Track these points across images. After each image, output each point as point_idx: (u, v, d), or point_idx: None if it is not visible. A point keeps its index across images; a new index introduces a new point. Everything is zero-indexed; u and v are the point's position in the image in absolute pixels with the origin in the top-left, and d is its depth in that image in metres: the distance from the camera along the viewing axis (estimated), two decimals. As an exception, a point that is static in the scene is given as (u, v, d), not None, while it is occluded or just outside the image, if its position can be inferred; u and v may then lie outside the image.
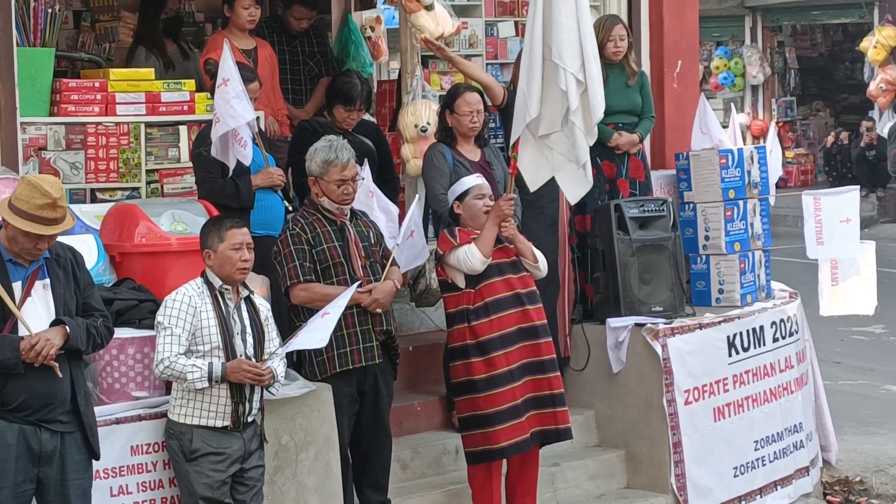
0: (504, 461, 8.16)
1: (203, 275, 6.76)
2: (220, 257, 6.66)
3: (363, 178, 7.77)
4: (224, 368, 6.58)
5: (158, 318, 6.67)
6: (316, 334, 6.92)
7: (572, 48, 7.59)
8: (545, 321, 8.14)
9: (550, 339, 8.18)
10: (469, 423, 7.96)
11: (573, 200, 7.96)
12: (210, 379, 6.57)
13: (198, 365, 6.56)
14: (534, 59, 7.66)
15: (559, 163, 7.83)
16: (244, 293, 6.87)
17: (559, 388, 8.09)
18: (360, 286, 7.36)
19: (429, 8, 8.45)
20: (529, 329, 8.04)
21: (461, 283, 7.92)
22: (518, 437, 7.93)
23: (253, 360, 6.73)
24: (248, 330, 6.79)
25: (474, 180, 7.98)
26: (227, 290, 6.75)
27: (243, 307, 6.84)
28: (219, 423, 6.70)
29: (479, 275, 8.00)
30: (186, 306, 6.65)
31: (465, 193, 7.90)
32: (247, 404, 6.75)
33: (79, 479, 6.36)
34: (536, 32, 7.84)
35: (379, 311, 7.58)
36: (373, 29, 9.70)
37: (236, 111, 7.61)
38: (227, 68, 7.61)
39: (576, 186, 7.94)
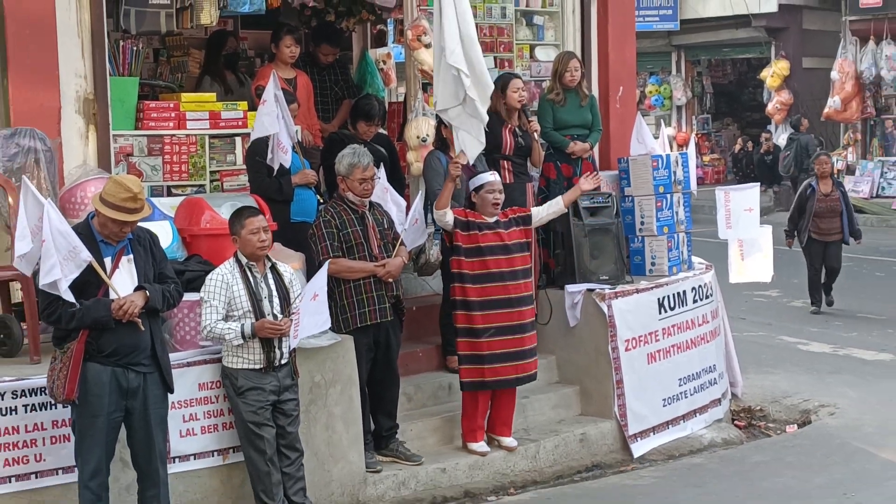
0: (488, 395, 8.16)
1: (235, 255, 6.85)
2: (242, 240, 6.80)
3: (379, 178, 7.96)
4: (252, 328, 6.68)
5: (201, 294, 6.84)
6: (316, 318, 6.99)
7: (457, 48, 7.56)
8: (531, 292, 8.24)
9: (533, 306, 8.29)
10: (467, 360, 7.99)
11: (472, 160, 7.94)
12: (243, 337, 6.68)
13: (232, 327, 6.73)
14: (440, 61, 7.68)
15: (464, 127, 7.82)
16: (269, 264, 6.91)
17: (533, 344, 8.13)
18: (349, 255, 7.46)
19: (427, 46, 8.41)
20: (520, 296, 8.01)
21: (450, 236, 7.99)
22: (501, 377, 7.98)
23: (280, 316, 6.81)
24: (275, 293, 6.89)
25: (489, 177, 8.06)
26: (252, 265, 6.86)
27: (269, 276, 6.94)
28: (256, 366, 6.82)
29: (480, 251, 7.94)
30: (220, 283, 6.78)
31: (481, 187, 7.95)
32: (276, 351, 6.83)
33: (158, 408, 6.50)
34: (436, 40, 7.81)
35: (390, 280, 7.66)
36: (384, 62, 9.71)
37: (264, 124, 7.71)
38: (271, 92, 7.66)
39: (471, 149, 7.83)
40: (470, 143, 7.94)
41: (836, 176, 15.29)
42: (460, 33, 7.70)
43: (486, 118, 7.97)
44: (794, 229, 13.60)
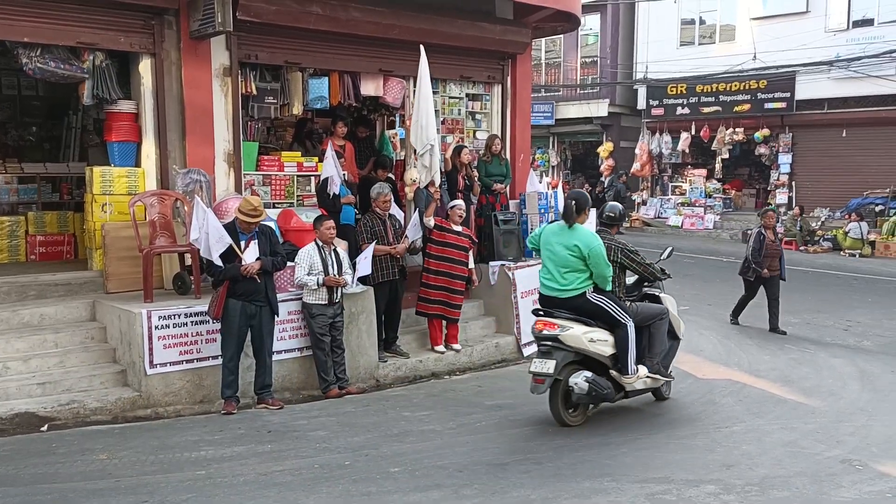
0: (442, 322, 8.16)
1: (315, 241, 6.95)
2: (320, 232, 6.97)
3: (391, 201, 7.79)
4: (323, 279, 6.79)
5: (295, 261, 6.89)
6: (363, 266, 7.22)
7: (424, 129, 7.87)
8: (464, 272, 8.05)
9: (463, 281, 8.04)
10: (422, 301, 8.04)
11: (424, 184, 8.03)
12: (318, 284, 6.80)
13: (312, 278, 6.82)
14: (419, 133, 7.95)
15: (421, 169, 8.11)
16: (333, 247, 7.00)
17: (458, 301, 8.03)
18: (377, 244, 7.40)
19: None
20: (456, 273, 7.99)
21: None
22: (436, 313, 8.03)
23: (335, 276, 6.87)
24: (334, 263, 6.95)
25: (458, 202, 8.14)
26: (324, 246, 6.94)
27: (332, 253, 6.98)
28: (322, 302, 6.91)
29: (443, 243, 7.94)
30: (306, 255, 6.91)
31: (452, 207, 8.07)
32: (334, 294, 6.92)
33: (268, 324, 6.60)
34: (414, 120, 8.04)
35: (398, 256, 7.68)
36: (394, 137, 9.65)
37: (326, 170, 7.81)
38: (329, 153, 7.80)
39: (426, 178, 8.08)
40: (426, 175, 8.10)
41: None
42: (427, 121, 7.88)
43: (438, 167, 8.16)
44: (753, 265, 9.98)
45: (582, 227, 5.91)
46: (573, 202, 5.90)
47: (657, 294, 6.63)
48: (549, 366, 5.74)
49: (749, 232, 12.40)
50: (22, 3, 6.40)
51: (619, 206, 6.60)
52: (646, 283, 6.61)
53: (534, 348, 8.47)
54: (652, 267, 6.34)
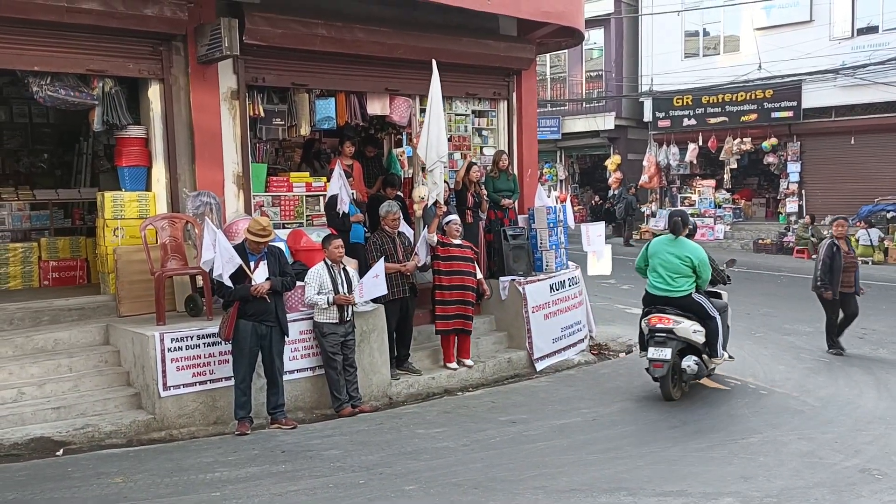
0: (455, 338, 8.15)
1: (324, 260, 6.91)
2: (329, 252, 6.91)
3: (400, 218, 7.79)
4: (333, 298, 6.75)
5: (306, 279, 6.83)
6: (377, 288, 7.04)
7: (435, 145, 7.83)
8: (473, 284, 8.05)
9: (473, 291, 8.06)
10: (440, 318, 8.01)
11: (431, 201, 8.02)
12: (328, 303, 6.76)
13: (322, 297, 6.76)
14: (428, 149, 7.88)
15: (432, 186, 8.06)
16: (342, 266, 6.95)
17: (471, 312, 8.08)
18: (386, 260, 7.32)
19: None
20: (468, 285, 8.00)
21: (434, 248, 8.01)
22: (454, 328, 8.02)
23: (345, 294, 6.84)
24: (344, 281, 6.91)
25: (453, 217, 8.16)
26: (333, 265, 6.89)
27: (341, 272, 6.94)
28: (333, 321, 6.86)
29: (449, 258, 7.95)
30: (316, 274, 6.85)
31: (448, 223, 8.05)
32: (345, 312, 6.87)
33: (278, 345, 6.57)
34: (423, 136, 7.95)
35: (409, 274, 7.67)
36: (401, 156, 9.62)
37: (334, 189, 7.71)
38: (337, 173, 7.69)
39: (434, 194, 8.02)
40: (434, 192, 8.04)
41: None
42: (438, 133, 7.85)
43: (443, 184, 8.15)
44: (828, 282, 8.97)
45: (688, 240, 7.22)
46: (679, 218, 7.29)
47: (719, 291, 7.88)
48: (665, 352, 7.00)
49: (814, 241, 11.96)
50: (32, 33, 6.46)
51: (687, 215, 7.63)
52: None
53: (546, 363, 8.80)
54: (722, 272, 7.87)
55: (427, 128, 7.87)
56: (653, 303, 7.28)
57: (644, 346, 7.30)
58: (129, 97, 7.25)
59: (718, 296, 7.77)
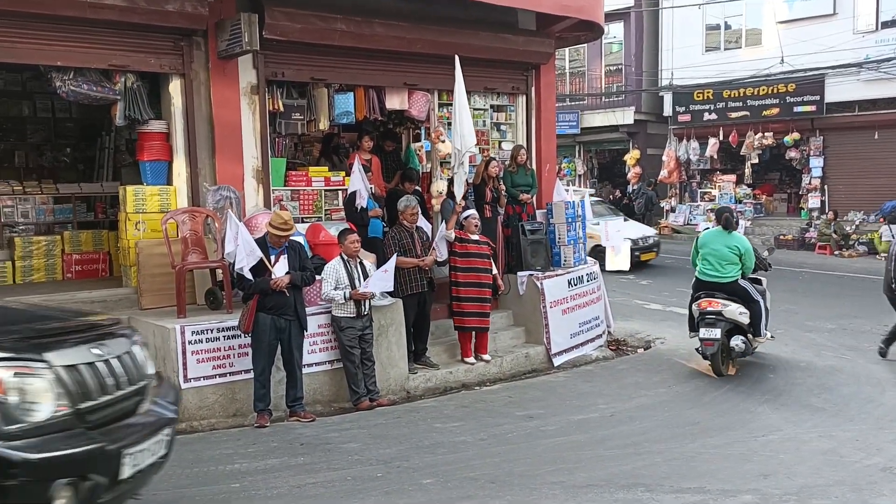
0: (472, 333, 8.17)
1: (340, 254, 6.94)
2: (345, 246, 6.95)
3: (419, 213, 7.85)
4: (349, 293, 6.78)
5: (322, 275, 6.87)
6: (383, 283, 6.98)
7: (462, 136, 7.81)
8: (489, 277, 8.10)
9: (489, 288, 8.12)
10: (456, 314, 8.07)
11: (459, 198, 8.04)
12: (345, 298, 6.79)
13: (339, 293, 6.79)
14: (455, 140, 7.90)
15: (457, 182, 8.06)
16: (358, 260, 6.98)
17: (488, 308, 8.13)
18: (405, 256, 7.41)
19: (443, 142, 8.49)
20: (483, 282, 8.04)
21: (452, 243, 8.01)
22: (471, 325, 8.05)
23: (360, 289, 6.86)
24: (360, 276, 6.93)
25: (471, 212, 8.16)
26: (350, 260, 6.93)
27: (358, 266, 6.97)
28: (351, 315, 6.90)
29: (467, 254, 7.96)
30: (332, 269, 6.88)
31: (467, 217, 8.05)
32: (363, 306, 6.90)
33: (297, 338, 6.61)
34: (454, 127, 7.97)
35: (427, 269, 7.68)
36: (419, 150, 9.62)
37: (353, 184, 7.90)
38: (356, 167, 7.88)
39: (459, 190, 8.02)
40: (460, 185, 8.05)
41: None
42: (464, 126, 7.86)
43: (467, 172, 8.12)
44: None
45: (737, 233, 8.00)
46: (729, 214, 8.01)
47: (759, 278, 8.40)
48: (716, 332, 7.65)
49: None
50: (55, 28, 6.50)
51: (733, 210, 8.28)
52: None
53: (564, 358, 8.83)
54: (764, 260, 8.37)
55: (458, 121, 7.85)
56: (703, 288, 7.99)
57: (693, 328, 8.04)
58: (150, 92, 7.30)
59: (759, 282, 8.33)
